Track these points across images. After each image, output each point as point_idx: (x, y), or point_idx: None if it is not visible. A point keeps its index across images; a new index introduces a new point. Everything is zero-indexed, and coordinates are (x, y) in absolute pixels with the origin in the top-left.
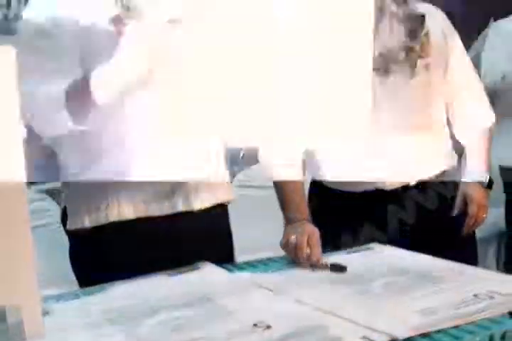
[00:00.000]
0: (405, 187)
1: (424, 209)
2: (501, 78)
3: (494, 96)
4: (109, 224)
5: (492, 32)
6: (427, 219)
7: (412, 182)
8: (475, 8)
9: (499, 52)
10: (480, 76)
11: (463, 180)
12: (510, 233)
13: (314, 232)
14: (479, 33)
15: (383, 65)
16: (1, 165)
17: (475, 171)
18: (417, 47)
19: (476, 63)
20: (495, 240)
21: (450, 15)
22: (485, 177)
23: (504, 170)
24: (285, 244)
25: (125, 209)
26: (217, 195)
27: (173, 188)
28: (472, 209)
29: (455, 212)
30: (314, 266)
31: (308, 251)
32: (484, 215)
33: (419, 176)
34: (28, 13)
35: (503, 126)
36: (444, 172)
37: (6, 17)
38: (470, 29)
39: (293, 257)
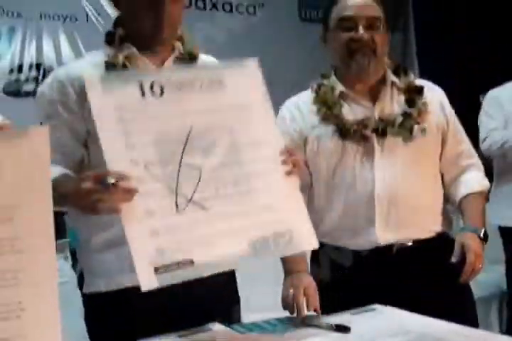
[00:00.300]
0: (403, 247)
1: (422, 269)
2: (501, 145)
3: (494, 160)
4: (121, 290)
5: (486, 101)
6: (425, 279)
7: (409, 243)
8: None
9: (496, 120)
10: (480, 142)
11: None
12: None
13: (311, 283)
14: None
15: (382, 127)
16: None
17: (471, 225)
18: (415, 114)
19: None
20: (497, 300)
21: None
22: (480, 230)
23: (503, 230)
24: (285, 298)
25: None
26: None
27: None
28: (470, 258)
29: (453, 259)
30: (313, 325)
31: (304, 302)
32: (480, 265)
33: (415, 236)
34: (41, 92)
35: (503, 189)
36: (440, 234)
37: (17, 80)
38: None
39: (291, 310)
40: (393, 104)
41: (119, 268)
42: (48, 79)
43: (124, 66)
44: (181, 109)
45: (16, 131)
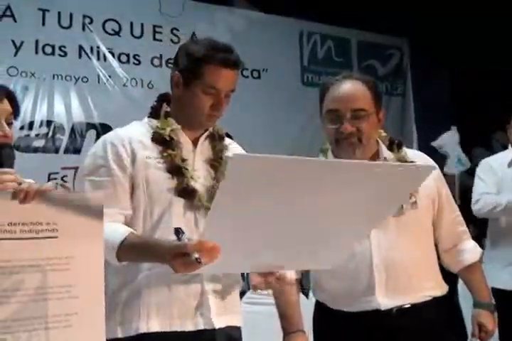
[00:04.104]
0: (401, 310)
1: (420, 332)
2: (492, 208)
3: (489, 224)
4: (137, 335)
5: (480, 167)
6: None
7: (406, 305)
8: None
9: (488, 185)
10: (472, 204)
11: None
12: None
13: None
14: None
15: None
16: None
17: (482, 300)
18: None
19: None
20: None
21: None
22: (491, 304)
23: (497, 292)
24: None
25: (153, 324)
26: (232, 317)
27: (197, 308)
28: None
29: (471, 337)
30: None
31: None
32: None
33: (413, 301)
34: (93, 153)
35: (497, 252)
36: (435, 299)
37: (28, 135)
38: None
39: None
40: None
41: (136, 316)
42: (99, 143)
43: (170, 138)
44: (296, 199)
45: (76, 194)
